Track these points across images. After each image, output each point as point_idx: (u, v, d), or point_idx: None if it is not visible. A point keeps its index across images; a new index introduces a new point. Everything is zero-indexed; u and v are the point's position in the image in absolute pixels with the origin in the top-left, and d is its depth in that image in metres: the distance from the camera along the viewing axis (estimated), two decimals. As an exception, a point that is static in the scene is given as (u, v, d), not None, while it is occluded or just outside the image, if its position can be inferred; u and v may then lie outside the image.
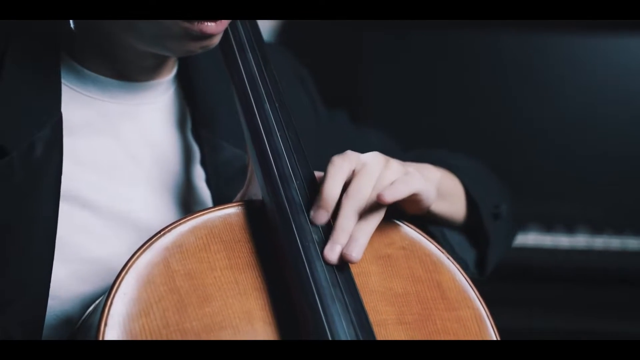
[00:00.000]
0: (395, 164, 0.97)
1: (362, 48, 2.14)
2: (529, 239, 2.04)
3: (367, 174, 0.95)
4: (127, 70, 1.06)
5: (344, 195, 0.93)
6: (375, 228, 0.94)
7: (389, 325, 0.93)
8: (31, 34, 1.04)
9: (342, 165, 0.94)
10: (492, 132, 2.10)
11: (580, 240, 2.03)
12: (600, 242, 2.02)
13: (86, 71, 1.05)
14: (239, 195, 1.05)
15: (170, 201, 1.09)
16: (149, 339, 0.86)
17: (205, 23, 0.97)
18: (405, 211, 1.01)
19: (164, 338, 0.86)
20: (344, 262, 0.92)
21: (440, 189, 1.10)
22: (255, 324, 0.89)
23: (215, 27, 0.97)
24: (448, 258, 1.02)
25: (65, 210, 1.01)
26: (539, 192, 2.09)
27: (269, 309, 0.90)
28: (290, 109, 1.04)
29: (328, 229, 0.93)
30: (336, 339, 0.85)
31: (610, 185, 2.07)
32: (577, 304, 2.05)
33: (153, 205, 1.07)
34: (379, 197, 0.92)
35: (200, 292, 0.89)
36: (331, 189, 0.93)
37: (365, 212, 0.93)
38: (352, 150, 0.97)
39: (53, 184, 1.00)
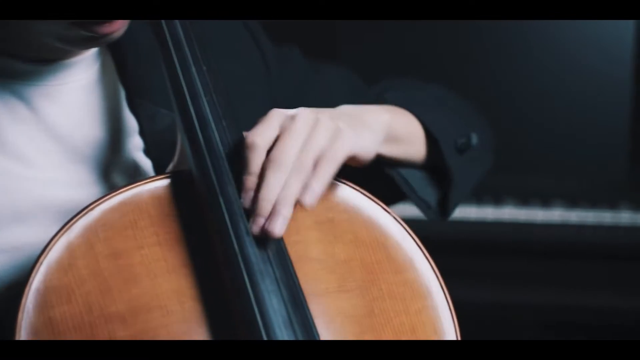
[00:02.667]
0: (325, 124, 0.91)
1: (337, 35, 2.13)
2: (504, 213, 2.04)
3: (291, 137, 0.88)
4: (43, 52, 1.00)
5: (266, 161, 0.87)
6: (297, 195, 0.87)
7: (329, 294, 0.90)
8: None
9: (262, 134, 0.89)
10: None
11: (555, 214, 2.03)
12: (575, 215, 2.02)
13: (2, 57, 0.99)
14: (171, 165, 1.00)
15: (108, 178, 1.03)
16: (70, 326, 0.82)
17: (101, 26, 0.91)
18: (348, 165, 0.96)
19: (87, 324, 0.82)
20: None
21: (391, 132, 1.04)
22: (185, 303, 0.85)
23: (110, 27, 0.92)
24: (395, 218, 0.97)
25: None
26: (515, 166, 2.09)
27: (199, 286, 0.86)
28: (228, 61, 0.98)
29: None
30: (265, 317, 0.82)
31: (585, 159, 2.07)
32: (553, 278, 2.06)
33: (88, 185, 1.01)
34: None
35: (126, 272, 0.84)
36: (251, 168, 0.88)
37: (290, 179, 0.87)
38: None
39: None
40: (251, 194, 0.87)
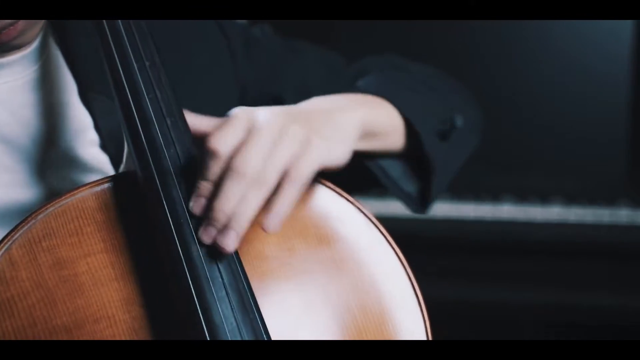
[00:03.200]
0: (293, 133, 0.84)
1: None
2: (502, 211, 2.03)
3: (256, 145, 0.82)
4: None
5: (226, 169, 0.81)
6: (256, 211, 0.81)
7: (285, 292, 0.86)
8: None
9: (224, 140, 0.82)
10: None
11: (553, 212, 2.02)
12: (573, 214, 2.02)
13: None
14: (122, 166, 0.96)
15: (60, 177, 1.00)
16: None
17: None
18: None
19: (32, 338, 0.79)
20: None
21: (366, 128, 0.99)
22: (132, 311, 0.81)
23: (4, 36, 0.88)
24: (370, 219, 0.92)
25: None
26: (513, 164, 2.09)
27: (147, 293, 0.82)
28: (188, 51, 0.94)
29: None
30: (213, 326, 0.78)
31: (584, 157, 2.07)
32: (551, 276, 2.05)
33: (37, 185, 0.98)
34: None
35: (71, 283, 0.81)
36: (208, 175, 0.82)
37: (249, 193, 0.81)
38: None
39: None
40: (203, 200, 0.82)
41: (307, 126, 0.87)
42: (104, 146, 1.01)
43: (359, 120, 0.97)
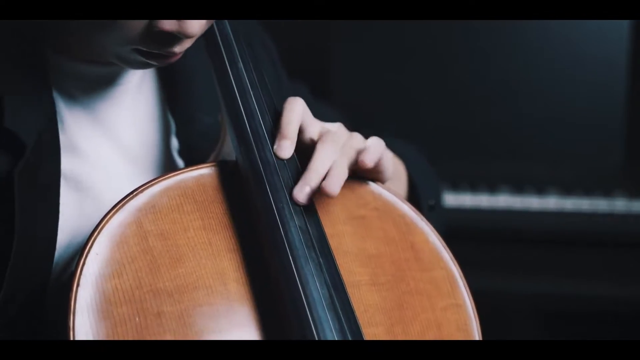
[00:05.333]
0: (359, 134, 0.98)
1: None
2: (499, 200, 2.04)
3: (337, 133, 0.95)
4: (98, 58, 1.03)
5: (319, 141, 0.94)
6: (346, 177, 0.93)
7: (362, 286, 0.93)
8: (12, 30, 1.00)
9: (298, 101, 0.96)
10: (463, 95, 2.09)
11: (550, 202, 2.03)
12: (570, 203, 2.02)
13: (64, 58, 1.02)
14: (212, 156, 1.04)
15: (149, 174, 1.08)
16: (122, 298, 0.85)
17: (161, 59, 0.94)
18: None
19: (137, 298, 0.85)
20: (317, 224, 0.91)
21: (394, 169, 1.10)
22: (228, 284, 0.89)
23: (168, 60, 0.95)
24: (422, 219, 1.01)
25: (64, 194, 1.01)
26: (509, 154, 2.09)
27: (242, 269, 0.90)
28: (264, 70, 1.02)
29: None
30: (309, 299, 0.85)
31: (580, 147, 2.07)
32: (548, 266, 2.06)
33: (135, 180, 1.04)
34: (360, 161, 0.93)
35: (173, 252, 0.89)
36: (291, 118, 0.94)
37: (340, 158, 0.93)
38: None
39: (53, 172, 0.99)
40: (287, 142, 0.94)
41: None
42: (181, 152, 1.11)
43: (391, 156, 1.07)
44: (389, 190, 1.02)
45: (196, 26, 0.89)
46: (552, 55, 2.08)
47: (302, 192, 0.91)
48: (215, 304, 0.87)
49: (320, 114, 1.26)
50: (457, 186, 2.07)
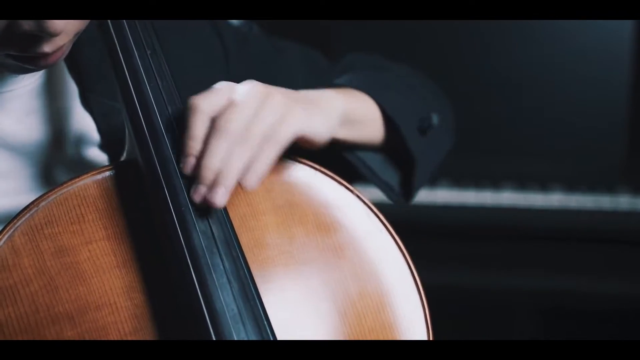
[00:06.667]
0: (275, 100, 0.86)
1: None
2: (503, 197, 2.03)
3: (240, 107, 0.84)
4: None
5: (211, 128, 0.83)
6: (243, 168, 0.83)
7: (275, 257, 0.87)
8: None
9: (206, 99, 0.84)
10: (466, 92, 2.09)
11: (554, 199, 2.02)
12: (574, 200, 2.02)
13: None
14: (123, 157, 0.95)
15: (54, 182, 1.00)
16: (17, 327, 0.78)
17: (37, 60, 0.85)
18: (301, 147, 0.92)
19: (34, 325, 0.79)
20: (224, 224, 0.84)
21: (347, 116, 1.01)
22: (134, 299, 0.81)
23: (46, 61, 0.86)
24: (357, 196, 0.93)
25: None
26: (513, 151, 2.09)
27: (149, 280, 0.82)
28: (182, 47, 0.94)
29: None
30: (213, 313, 0.78)
31: (584, 144, 2.07)
32: (552, 263, 2.05)
33: (33, 192, 0.98)
34: (242, 184, 0.83)
35: (73, 270, 0.81)
36: (193, 131, 0.83)
37: (234, 150, 0.82)
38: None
39: None
40: (192, 160, 0.83)
41: (289, 97, 0.89)
42: (103, 146, 1.01)
43: (340, 106, 0.99)
44: (319, 168, 0.93)
45: (59, 23, 0.80)
46: (555, 52, 2.07)
47: (198, 194, 0.82)
48: (121, 322, 0.80)
49: (280, 62, 1.15)
50: (460, 183, 2.07)
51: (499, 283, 2.03)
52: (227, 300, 0.79)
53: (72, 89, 1.02)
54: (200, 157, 0.83)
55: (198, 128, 0.83)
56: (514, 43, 2.09)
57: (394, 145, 1.12)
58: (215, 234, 0.82)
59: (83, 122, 1.01)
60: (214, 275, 0.80)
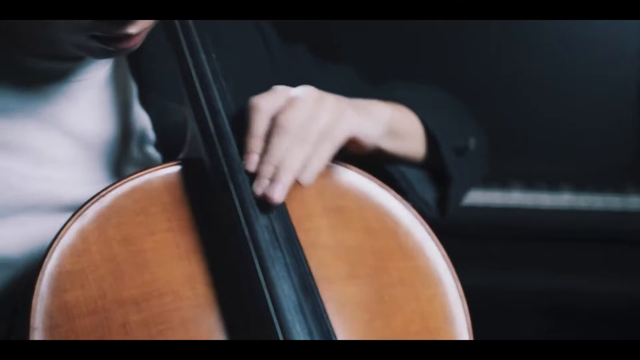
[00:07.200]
0: (330, 102, 0.92)
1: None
2: (512, 197, 2.03)
3: (298, 106, 0.89)
4: (58, 52, 0.99)
5: (271, 126, 0.89)
6: (300, 166, 0.88)
7: (339, 281, 0.90)
8: None
9: (266, 99, 0.90)
10: (475, 90, 2.08)
11: (563, 199, 2.02)
12: (583, 200, 2.01)
13: (20, 53, 0.99)
14: (183, 153, 1.00)
15: (121, 174, 1.03)
16: (84, 310, 0.82)
17: (119, 42, 0.90)
18: (349, 151, 0.97)
19: (101, 308, 0.82)
20: (286, 221, 0.88)
21: (392, 127, 1.06)
22: (197, 288, 0.86)
23: (127, 43, 0.90)
24: (405, 206, 0.97)
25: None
26: (522, 150, 2.08)
27: (211, 272, 0.87)
28: (234, 54, 0.99)
29: None
30: (277, 302, 0.82)
31: (593, 144, 2.06)
32: (561, 263, 2.05)
33: (103, 183, 1.00)
34: (299, 180, 0.88)
35: (139, 258, 0.85)
36: (255, 130, 0.89)
37: (293, 147, 0.88)
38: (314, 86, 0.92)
39: None
40: (254, 157, 0.88)
41: (342, 101, 0.94)
42: (157, 145, 1.05)
43: (387, 116, 1.04)
44: (369, 176, 0.98)
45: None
46: (564, 52, 2.07)
47: (260, 187, 0.87)
48: (183, 310, 0.84)
49: (323, 79, 1.18)
50: (469, 183, 2.06)
51: (507, 283, 2.02)
52: (288, 291, 0.83)
53: (133, 87, 1.06)
54: (261, 154, 0.88)
55: (259, 126, 0.89)
56: (521, 43, 2.08)
57: (432, 163, 1.17)
58: (277, 230, 0.87)
59: (141, 120, 1.05)
60: (276, 267, 0.84)
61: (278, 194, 0.86)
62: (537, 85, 2.07)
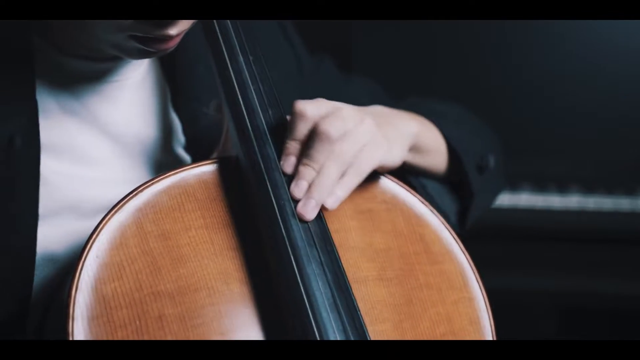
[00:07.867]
0: (368, 122, 0.94)
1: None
2: (521, 199, 2.03)
3: (339, 119, 0.91)
4: (96, 53, 1.02)
5: (314, 132, 0.90)
6: (331, 185, 0.91)
7: (369, 281, 0.92)
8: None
9: (312, 105, 0.92)
10: (484, 91, 2.08)
11: (572, 201, 2.01)
12: (592, 202, 2.01)
13: (58, 54, 1.01)
14: (215, 152, 1.02)
15: (147, 171, 1.06)
16: (122, 302, 0.84)
17: (158, 43, 0.92)
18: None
19: (138, 301, 0.84)
20: (320, 221, 0.90)
21: (418, 142, 1.08)
22: (231, 284, 0.87)
23: (166, 44, 0.93)
24: (432, 211, 1.00)
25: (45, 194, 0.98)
26: (531, 152, 2.08)
27: (245, 268, 0.88)
28: (267, 62, 1.00)
29: None
30: (312, 300, 0.84)
31: (603, 145, 2.06)
32: (570, 264, 2.04)
33: (134, 181, 1.02)
34: (324, 205, 0.90)
35: (175, 253, 0.87)
36: (297, 134, 0.91)
37: (330, 165, 0.91)
38: (337, 100, 0.94)
39: (32, 176, 0.96)
40: (292, 159, 0.90)
41: (376, 124, 0.95)
42: (187, 148, 1.09)
43: (413, 131, 1.06)
44: (397, 182, 1.00)
45: None
46: (575, 52, 2.07)
47: (299, 189, 0.89)
48: (217, 305, 0.86)
49: (348, 90, 1.24)
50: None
51: (516, 284, 2.02)
52: (324, 289, 0.84)
53: (166, 90, 1.08)
54: (299, 157, 0.90)
55: (301, 131, 0.91)
56: (533, 43, 2.08)
57: (453, 178, 1.20)
58: (312, 229, 0.88)
59: (172, 122, 1.08)
60: (312, 265, 0.85)
61: (310, 213, 0.88)
62: (547, 87, 2.07)
